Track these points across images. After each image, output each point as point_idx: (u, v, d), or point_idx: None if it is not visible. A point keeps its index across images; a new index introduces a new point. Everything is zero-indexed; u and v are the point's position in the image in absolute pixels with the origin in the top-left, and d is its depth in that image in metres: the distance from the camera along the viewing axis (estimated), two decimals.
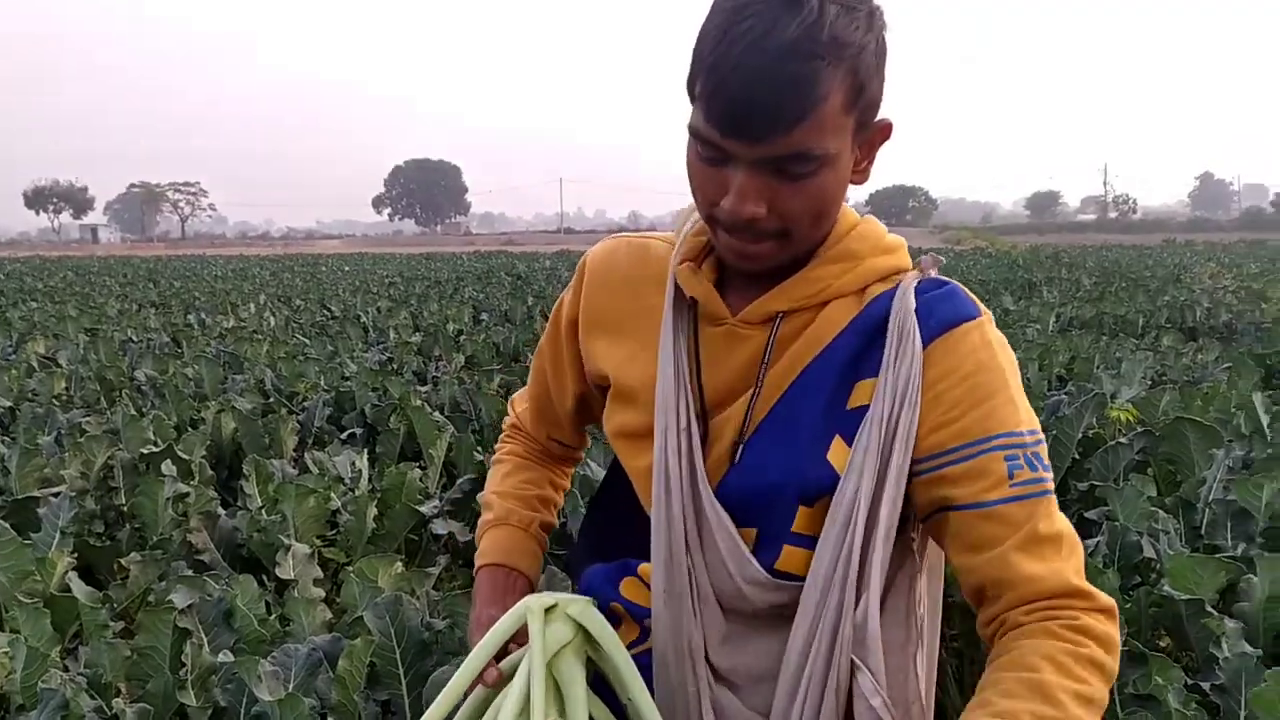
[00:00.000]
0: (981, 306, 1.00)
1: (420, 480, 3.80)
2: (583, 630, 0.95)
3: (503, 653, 0.97)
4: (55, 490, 3.46)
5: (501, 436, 1.34)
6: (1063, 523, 0.95)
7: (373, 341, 8.83)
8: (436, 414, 4.80)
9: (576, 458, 1.34)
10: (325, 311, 12.27)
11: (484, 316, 11.13)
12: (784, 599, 0.98)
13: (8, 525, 2.68)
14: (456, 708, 0.93)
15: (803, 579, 0.97)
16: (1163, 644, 2.64)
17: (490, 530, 1.23)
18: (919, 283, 1.00)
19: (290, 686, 1.86)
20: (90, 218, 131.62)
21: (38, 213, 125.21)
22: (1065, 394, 4.56)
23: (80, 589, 2.58)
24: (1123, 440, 3.76)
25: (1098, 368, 5.82)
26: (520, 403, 1.31)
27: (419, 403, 4.78)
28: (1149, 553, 2.68)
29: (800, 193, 0.89)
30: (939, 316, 0.97)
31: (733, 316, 1.01)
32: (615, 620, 1.10)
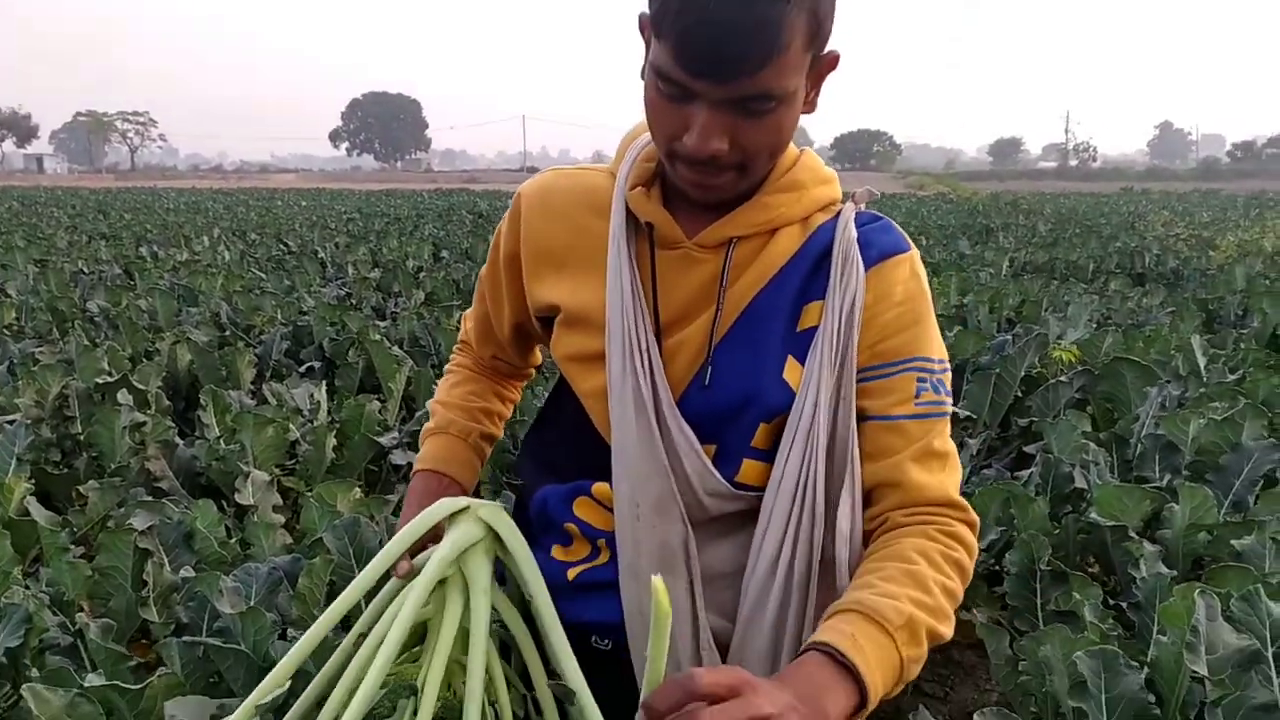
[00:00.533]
0: (910, 241, 1.08)
1: (379, 412, 3.83)
2: (492, 532, 1.01)
3: (420, 550, 1.04)
4: (10, 418, 3.44)
5: (454, 348, 1.39)
6: (951, 444, 1.05)
7: (330, 277, 8.74)
8: (395, 348, 4.81)
9: (526, 374, 1.38)
10: (282, 246, 12.09)
11: (444, 254, 11.04)
12: (740, 507, 1.05)
13: None
14: (370, 598, 0.99)
15: (759, 489, 1.04)
16: (1091, 570, 2.79)
17: (430, 438, 1.28)
18: (856, 214, 1.07)
19: (251, 602, 1.91)
20: (35, 147, 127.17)
21: None
22: (1012, 335, 4.69)
23: (39, 512, 2.60)
24: (1063, 379, 3.90)
25: (1045, 310, 5.97)
26: (470, 319, 1.34)
27: (378, 337, 4.78)
28: (1080, 483, 2.81)
29: (760, 128, 0.93)
30: (878, 247, 1.04)
31: (687, 240, 1.05)
32: (568, 539, 1.15)
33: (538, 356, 1.37)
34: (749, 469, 1.04)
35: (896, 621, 0.88)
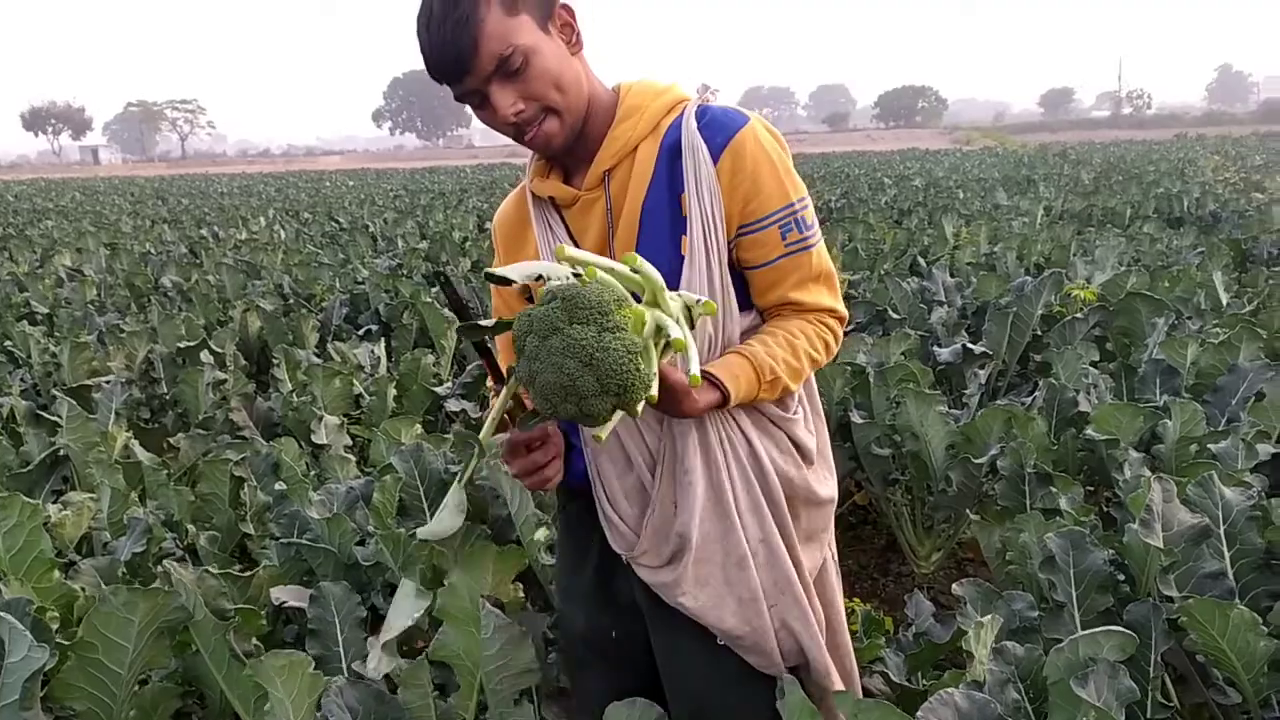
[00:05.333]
0: (747, 113, 1.34)
1: (434, 366, 4.14)
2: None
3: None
4: (106, 379, 3.81)
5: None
6: (824, 264, 1.35)
7: (381, 249, 9.10)
8: (446, 310, 5.12)
9: None
10: (334, 223, 12.51)
11: (488, 225, 11.35)
12: None
13: (74, 402, 3.04)
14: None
15: None
16: (1089, 488, 2.98)
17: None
18: (697, 109, 1.34)
19: (334, 513, 2.23)
20: (89, 138, 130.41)
21: (36, 134, 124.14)
22: (1033, 278, 4.83)
23: (142, 453, 2.94)
24: (1079, 316, 4.06)
25: (1075, 255, 6.07)
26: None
27: (429, 299, 5.09)
28: (1084, 407, 3.00)
29: (529, 79, 1.21)
30: (720, 136, 1.31)
31: (580, 191, 1.35)
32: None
33: None
34: None
35: (768, 376, 1.27)
